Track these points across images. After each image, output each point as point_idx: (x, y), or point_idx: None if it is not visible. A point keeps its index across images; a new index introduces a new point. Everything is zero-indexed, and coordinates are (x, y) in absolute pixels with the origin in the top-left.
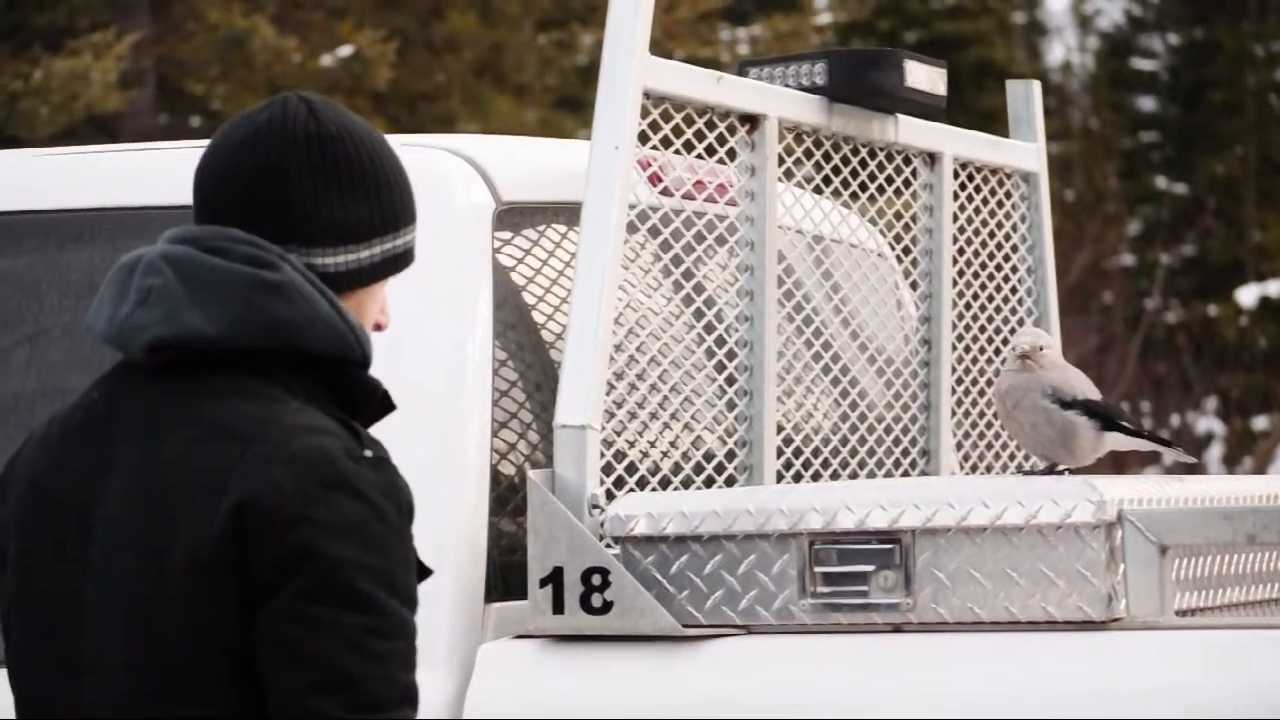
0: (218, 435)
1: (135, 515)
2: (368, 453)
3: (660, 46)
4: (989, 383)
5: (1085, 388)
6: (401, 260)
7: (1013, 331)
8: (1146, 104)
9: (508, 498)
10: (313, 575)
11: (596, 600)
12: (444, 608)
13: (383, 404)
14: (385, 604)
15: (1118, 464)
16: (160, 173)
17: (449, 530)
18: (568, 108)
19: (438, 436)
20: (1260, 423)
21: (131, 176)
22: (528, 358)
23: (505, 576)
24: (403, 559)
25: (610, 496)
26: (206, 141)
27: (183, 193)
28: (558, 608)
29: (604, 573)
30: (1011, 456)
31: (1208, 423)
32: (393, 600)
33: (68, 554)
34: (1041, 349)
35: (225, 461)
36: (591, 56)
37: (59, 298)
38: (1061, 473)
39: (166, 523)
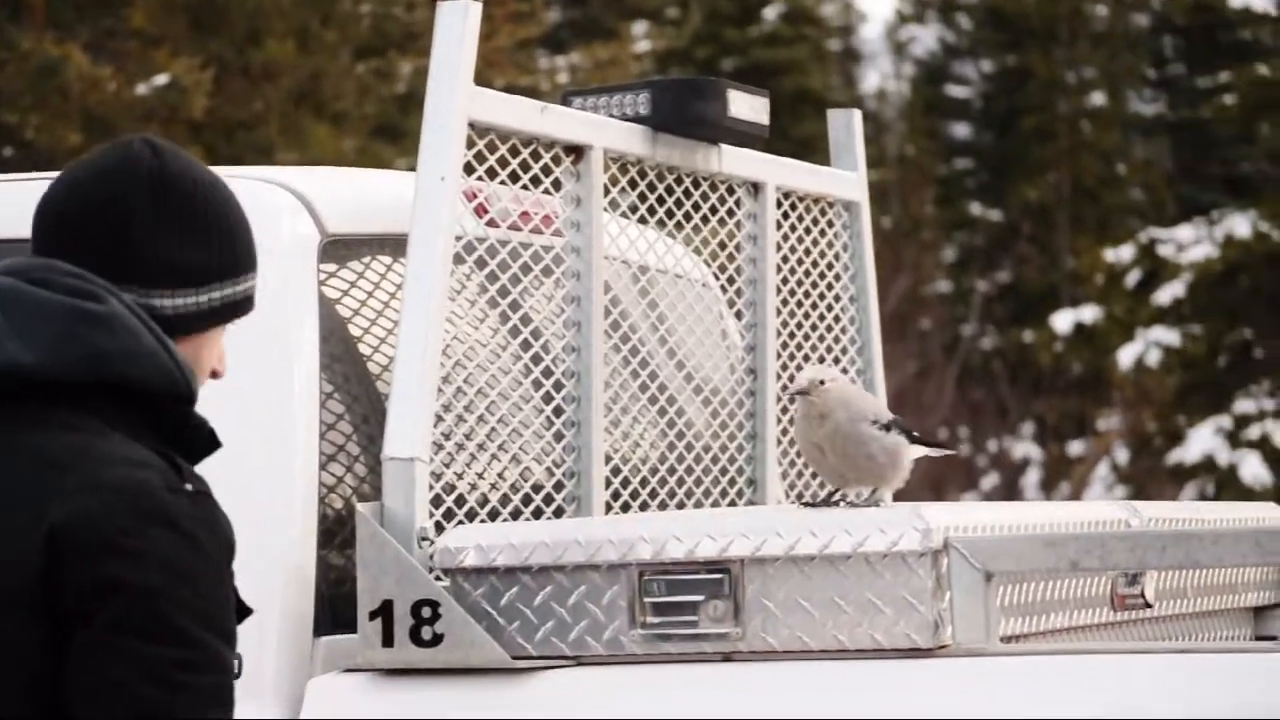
0: (36, 464)
1: None
2: (188, 486)
3: (480, 75)
4: None
5: (884, 408)
6: (240, 307)
7: (836, 360)
8: (961, 131)
9: (336, 530)
10: (122, 605)
11: (426, 633)
12: (271, 641)
13: (209, 441)
14: (198, 637)
15: (937, 489)
16: None
17: (276, 563)
18: (386, 136)
19: (264, 469)
20: (1075, 447)
21: None
22: (355, 390)
23: (334, 610)
24: (220, 594)
25: (439, 529)
26: (19, 174)
27: None
28: (387, 641)
29: (434, 605)
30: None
31: (1025, 448)
32: (206, 634)
33: None
34: (822, 383)
35: (43, 490)
36: (410, 85)
37: None
38: (879, 501)
39: None
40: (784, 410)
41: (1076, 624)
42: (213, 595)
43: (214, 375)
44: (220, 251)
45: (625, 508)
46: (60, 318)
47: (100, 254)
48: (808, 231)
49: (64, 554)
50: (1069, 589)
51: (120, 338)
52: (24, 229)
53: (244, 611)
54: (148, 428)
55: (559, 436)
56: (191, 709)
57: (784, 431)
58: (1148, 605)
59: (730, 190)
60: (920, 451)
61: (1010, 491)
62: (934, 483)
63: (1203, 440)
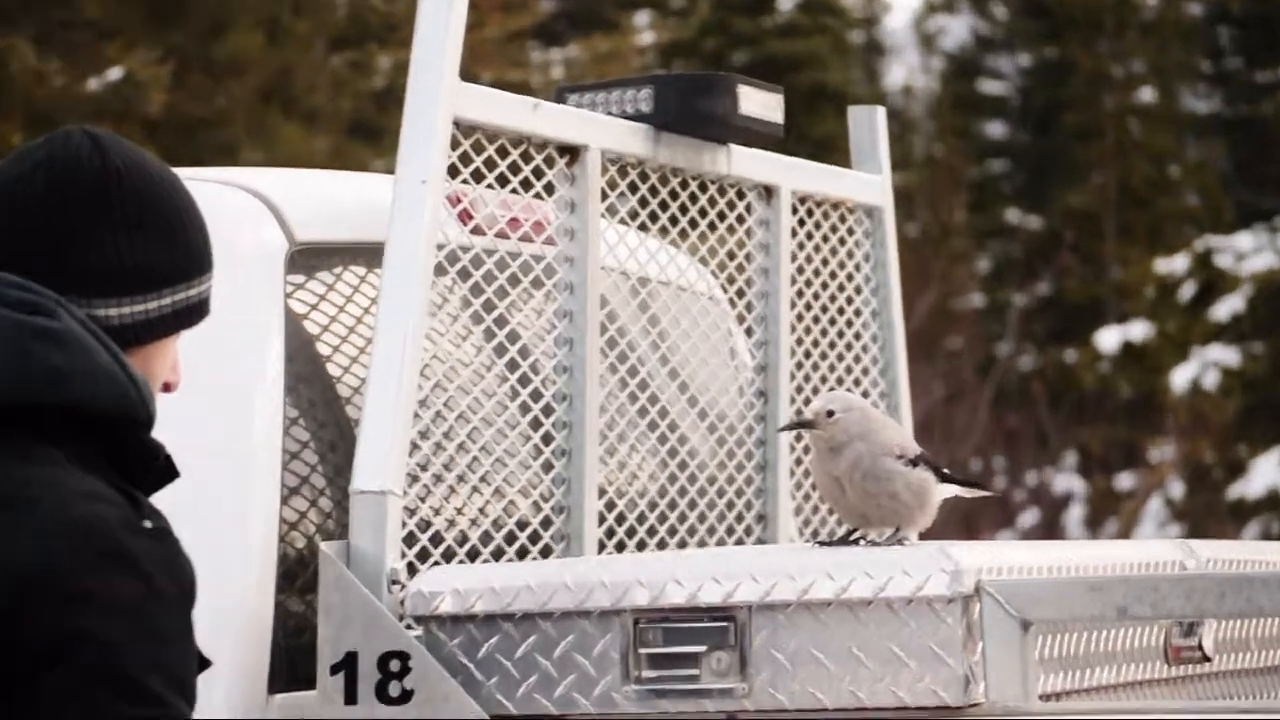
0: None
1: None
2: (148, 524)
3: (466, 70)
4: None
5: (911, 440)
6: (195, 312)
7: (856, 383)
8: (995, 130)
9: (297, 573)
10: (83, 657)
11: (395, 689)
12: (221, 697)
13: (165, 470)
14: (160, 694)
15: (969, 526)
16: None
17: (230, 610)
18: (362, 135)
19: (220, 503)
20: (1124, 480)
21: None
22: (322, 415)
23: (292, 662)
24: (181, 644)
25: (412, 571)
26: None
27: None
28: (350, 698)
29: (404, 657)
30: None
31: (1067, 480)
32: (169, 691)
33: None
34: (830, 414)
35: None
36: (389, 79)
37: None
38: (902, 540)
39: None
40: (798, 438)
41: (1125, 680)
42: (175, 645)
43: (166, 388)
44: (172, 253)
45: (620, 547)
46: (10, 334)
47: (36, 260)
48: (826, 240)
49: (23, 599)
50: (1117, 640)
51: (75, 356)
52: None
53: (203, 663)
54: (100, 456)
55: (548, 467)
56: None
57: (798, 462)
58: (1206, 659)
59: (740, 194)
60: (951, 491)
61: (1051, 529)
62: (966, 519)
63: (1266, 472)
